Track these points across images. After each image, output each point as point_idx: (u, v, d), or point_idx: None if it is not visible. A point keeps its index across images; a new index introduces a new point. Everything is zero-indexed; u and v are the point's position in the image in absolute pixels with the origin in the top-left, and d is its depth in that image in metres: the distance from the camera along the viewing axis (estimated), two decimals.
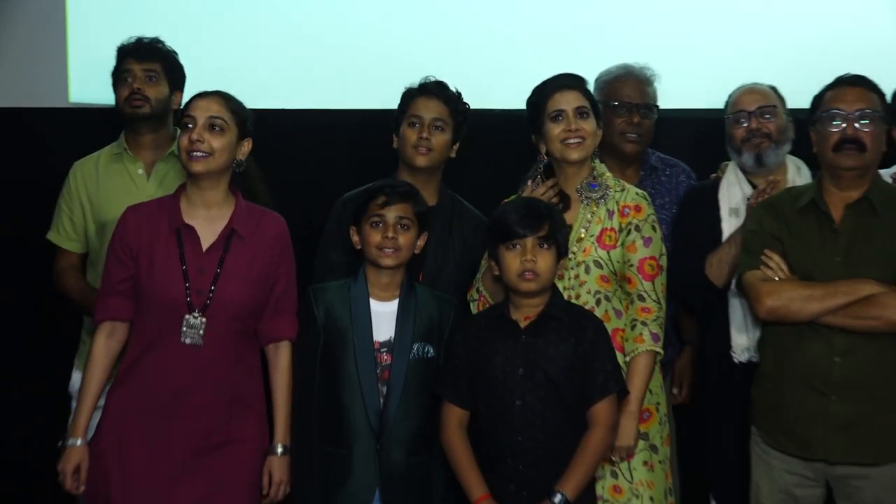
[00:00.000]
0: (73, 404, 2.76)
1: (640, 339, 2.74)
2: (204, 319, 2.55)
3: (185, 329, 2.56)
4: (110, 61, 3.26)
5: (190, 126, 2.55)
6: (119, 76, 3.12)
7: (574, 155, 2.76)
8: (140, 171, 3.12)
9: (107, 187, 3.09)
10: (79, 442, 2.57)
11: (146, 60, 3.11)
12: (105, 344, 2.62)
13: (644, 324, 2.74)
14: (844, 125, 2.64)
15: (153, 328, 2.59)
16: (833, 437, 2.64)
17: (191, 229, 2.60)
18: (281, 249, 2.69)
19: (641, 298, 2.76)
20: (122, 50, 3.17)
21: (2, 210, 4.05)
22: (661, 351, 2.78)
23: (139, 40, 3.18)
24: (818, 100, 2.77)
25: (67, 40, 4.09)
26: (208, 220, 2.63)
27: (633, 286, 2.78)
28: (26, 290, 3.73)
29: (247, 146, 2.68)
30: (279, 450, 2.62)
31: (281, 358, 2.69)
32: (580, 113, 2.76)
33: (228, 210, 2.64)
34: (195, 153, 2.54)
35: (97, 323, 2.65)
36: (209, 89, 2.78)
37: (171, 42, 3.38)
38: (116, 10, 4.04)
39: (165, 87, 3.11)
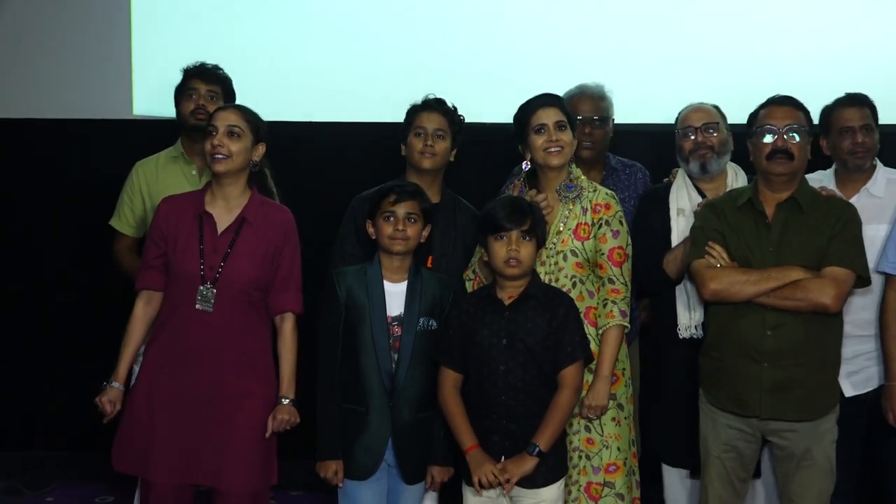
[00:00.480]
0: None
1: (610, 314, 2.95)
2: (214, 290, 2.78)
3: (199, 298, 2.78)
4: (168, 80, 3.48)
5: (213, 133, 2.81)
6: (185, 92, 3.37)
7: (554, 161, 2.99)
8: (194, 172, 3.37)
9: (165, 184, 3.32)
10: (115, 384, 2.83)
11: (210, 82, 3.38)
12: (143, 309, 2.88)
13: (614, 302, 2.97)
14: (775, 138, 2.85)
15: (176, 296, 2.82)
16: (766, 397, 2.83)
17: (209, 216, 2.83)
18: (285, 235, 2.89)
19: (611, 281, 2.99)
20: (189, 71, 3.41)
21: (74, 204, 4.27)
22: (628, 325, 3.00)
23: (203, 64, 3.42)
24: (753, 117, 2.97)
25: (132, 59, 4.30)
26: (226, 210, 2.85)
27: (604, 271, 3.00)
28: (93, 273, 4.02)
29: (261, 150, 2.90)
30: (284, 401, 2.82)
31: (285, 326, 2.88)
32: (559, 126, 2.98)
33: (244, 202, 2.87)
34: (217, 156, 2.80)
35: (137, 291, 2.90)
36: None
37: (214, 60, 3.54)
38: (175, 34, 4.27)
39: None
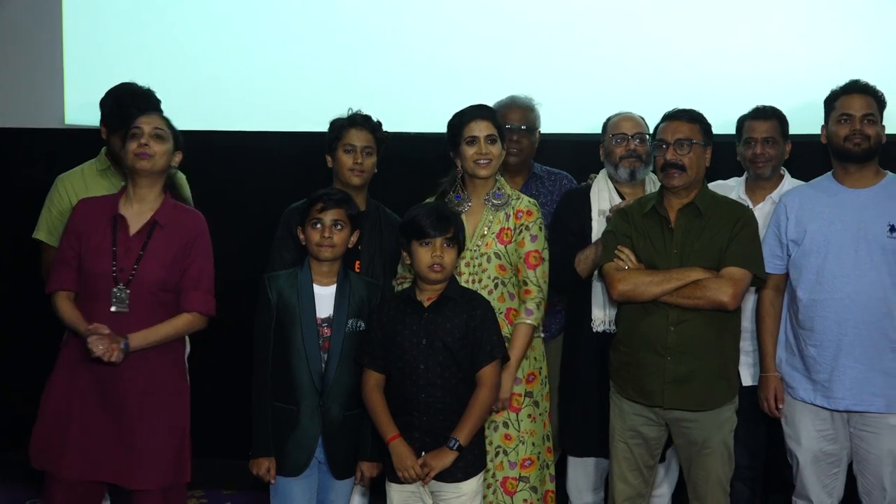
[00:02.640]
0: None
1: (520, 314, 3.04)
2: (128, 291, 2.79)
3: (113, 299, 2.78)
4: (101, 89, 3.34)
5: (138, 135, 2.83)
6: (128, 130, 3.08)
7: (482, 173, 3.07)
8: (123, 184, 3.27)
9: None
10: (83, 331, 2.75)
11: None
12: (69, 303, 2.84)
13: (524, 302, 3.04)
14: (666, 152, 2.95)
15: (91, 296, 2.80)
16: (668, 388, 2.93)
17: (123, 218, 2.84)
18: (195, 238, 2.90)
19: (525, 283, 3.06)
20: (130, 105, 3.21)
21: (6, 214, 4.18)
22: (536, 324, 3.05)
23: (143, 96, 3.28)
24: (655, 130, 3.06)
25: (64, 68, 4.22)
26: (139, 213, 2.86)
27: (521, 273, 3.07)
28: (23, 283, 3.78)
29: (178, 157, 2.95)
30: (122, 342, 2.72)
31: (181, 317, 2.88)
32: (490, 139, 3.05)
33: (157, 206, 2.88)
34: (142, 155, 2.82)
35: (52, 291, 2.83)
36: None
37: (146, 69, 3.58)
38: (107, 43, 4.20)
39: None
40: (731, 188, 3.37)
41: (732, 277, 2.93)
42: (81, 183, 3.32)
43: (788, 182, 3.36)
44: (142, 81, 3.37)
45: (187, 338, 3.30)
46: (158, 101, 3.31)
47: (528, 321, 3.04)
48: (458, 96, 3.27)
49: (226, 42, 4.18)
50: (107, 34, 4.22)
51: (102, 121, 3.29)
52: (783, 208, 3.15)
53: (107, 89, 3.34)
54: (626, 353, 3.03)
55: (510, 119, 3.48)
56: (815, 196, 3.12)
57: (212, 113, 4.08)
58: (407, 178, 3.51)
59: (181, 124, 3.10)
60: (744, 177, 3.42)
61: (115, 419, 2.82)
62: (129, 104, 3.18)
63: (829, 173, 3.16)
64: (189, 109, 3.41)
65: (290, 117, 4.08)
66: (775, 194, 3.33)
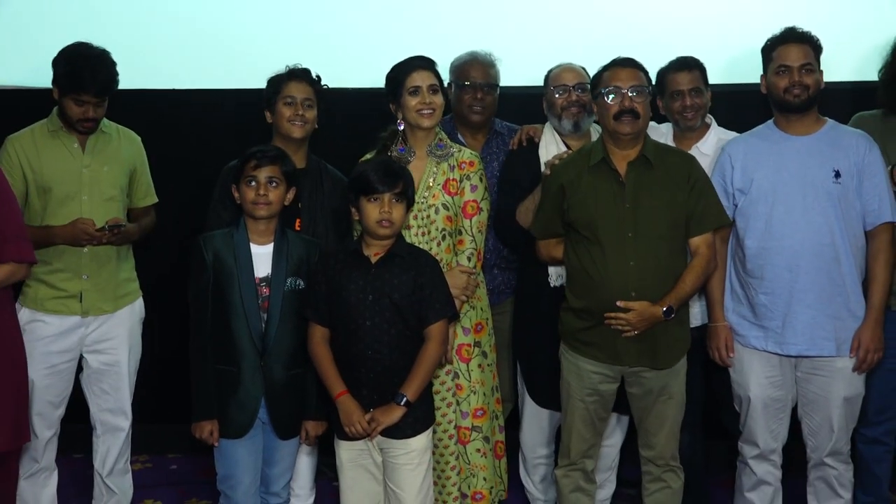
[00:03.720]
0: None
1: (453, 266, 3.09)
2: None
3: None
4: (30, 48, 3.38)
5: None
6: (77, 99, 3.21)
7: (426, 123, 3.08)
8: (76, 145, 3.28)
9: (49, 157, 3.25)
10: None
11: (100, 95, 3.25)
12: None
13: (458, 254, 3.10)
14: (622, 98, 2.93)
15: None
16: (632, 349, 2.94)
17: None
18: None
19: (460, 233, 3.11)
20: (82, 78, 3.21)
21: None
22: (473, 271, 3.09)
23: (94, 72, 3.21)
24: (597, 78, 3.02)
25: None
26: None
27: (458, 223, 3.11)
28: None
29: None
30: None
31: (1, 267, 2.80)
32: (432, 89, 3.07)
33: None
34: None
35: None
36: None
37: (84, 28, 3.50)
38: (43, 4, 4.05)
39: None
40: (663, 134, 3.37)
41: (706, 249, 3.01)
42: (31, 144, 3.29)
43: (715, 130, 3.39)
44: (77, 38, 3.31)
45: (142, 302, 3.43)
46: (114, 63, 3.28)
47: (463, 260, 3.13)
48: (399, 52, 3.23)
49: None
50: None
51: (55, 81, 3.24)
52: (727, 158, 3.17)
53: (43, 47, 3.31)
54: (587, 316, 3.00)
55: (472, 76, 3.49)
56: (759, 145, 3.14)
57: (152, 71, 4.01)
58: (348, 135, 3.49)
59: (123, 83, 3.14)
60: (670, 125, 3.43)
61: None
62: (82, 67, 3.18)
63: (771, 121, 3.18)
64: (128, 67, 3.36)
65: (229, 76, 4.02)
66: (701, 144, 3.35)
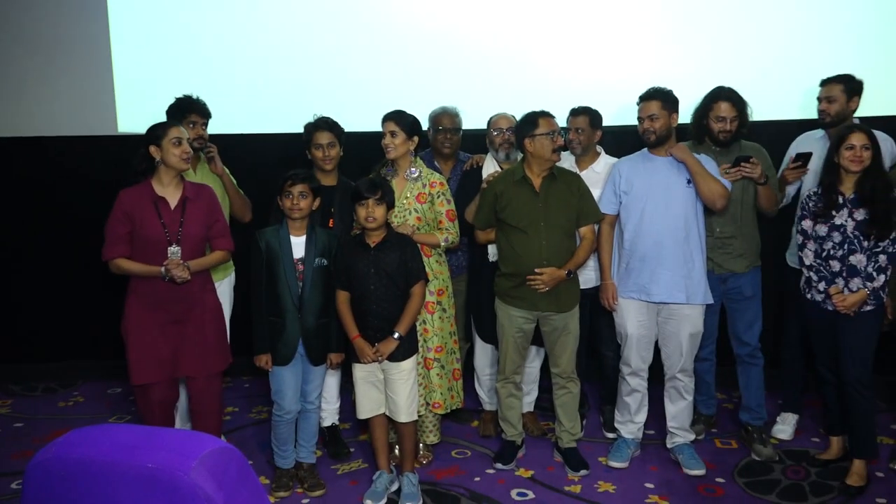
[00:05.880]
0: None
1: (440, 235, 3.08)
2: (179, 247, 2.74)
3: (169, 253, 2.71)
4: (150, 97, 3.20)
5: (180, 144, 2.74)
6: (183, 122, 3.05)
7: (389, 154, 3.04)
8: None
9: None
10: (163, 270, 2.68)
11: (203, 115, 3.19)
12: (131, 261, 2.73)
13: (440, 230, 3.09)
14: (555, 139, 2.94)
15: (148, 257, 2.72)
16: (543, 298, 2.99)
17: (163, 199, 2.76)
18: (212, 203, 2.87)
19: (447, 230, 3.11)
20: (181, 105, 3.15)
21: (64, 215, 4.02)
22: (442, 242, 3.05)
23: (190, 98, 3.16)
24: (533, 125, 2.94)
25: (114, 80, 3.97)
26: (172, 194, 2.77)
27: (443, 224, 3.10)
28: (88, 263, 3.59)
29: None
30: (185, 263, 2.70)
31: (215, 253, 2.87)
32: (392, 133, 3.01)
33: (181, 187, 2.80)
34: (186, 159, 2.76)
35: (109, 258, 2.71)
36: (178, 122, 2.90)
37: (183, 81, 3.36)
38: (153, 56, 3.92)
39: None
40: (567, 158, 3.33)
41: (588, 236, 3.08)
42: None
43: (603, 157, 3.36)
44: (178, 91, 3.21)
45: (233, 272, 3.34)
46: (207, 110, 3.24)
47: (442, 242, 3.12)
48: (387, 104, 3.16)
49: (242, 60, 4.00)
50: (150, 49, 3.96)
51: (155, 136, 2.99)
52: (616, 171, 3.14)
53: (151, 99, 3.23)
54: (513, 279, 3.04)
55: (444, 123, 3.43)
56: (637, 163, 3.13)
57: (235, 118, 3.90)
58: (366, 160, 3.41)
59: (215, 128, 3.05)
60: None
61: (181, 330, 2.78)
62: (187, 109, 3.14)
63: (645, 150, 3.15)
64: (218, 115, 3.29)
65: (282, 120, 3.88)
66: (595, 165, 3.34)
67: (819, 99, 3.23)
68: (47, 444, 1.48)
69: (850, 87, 3.17)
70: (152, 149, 2.75)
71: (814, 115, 3.29)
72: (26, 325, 4.30)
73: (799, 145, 3.33)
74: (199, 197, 2.85)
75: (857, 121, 3.17)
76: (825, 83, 3.23)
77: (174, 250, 2.74)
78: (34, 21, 3.96)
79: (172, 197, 2.80)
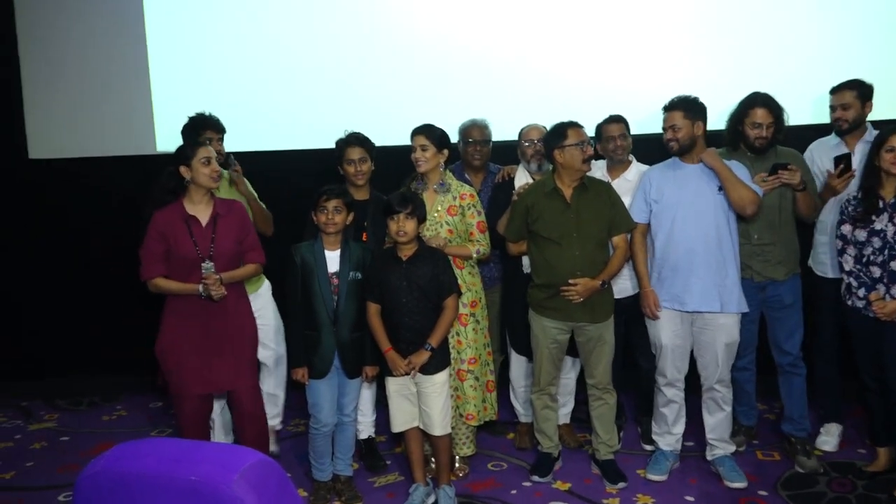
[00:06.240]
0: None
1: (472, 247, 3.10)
2: (212, 263, 2.77)
3: (203, 270, 2.74)
4: (187, 116, 3.20)
5: (209, 163, 2.80)
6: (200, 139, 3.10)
7: (420, 169, 3.07)
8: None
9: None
10: (200, 288, 2.72)
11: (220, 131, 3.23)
12: (169, 280, 2.78)
13: (471, 242, 3.11)
14: (586, 148, 2.94)
15: (183, 274, 2.76)
16: (578, 309, 2.99)
17: (194, 217, 2.80)
18: (243, 219, 2.91)
19: (478, 242, 3.12)
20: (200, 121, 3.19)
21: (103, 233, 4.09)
22: (474, 254, 3.07)
23: (203, 115, 3.21)
24: (562, 136, 2.95)
25: (152, 99, 4.04)
26: (203, 211, 2.81)
27: (474, 236, 3.12)
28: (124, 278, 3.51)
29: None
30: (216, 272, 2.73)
31: (247, 266, 2.89)
32: (422, 147, 3.06)
33: (212, 204, 2.84)
34: (216, 178, 2.81)
35: (147, 278, 2.76)
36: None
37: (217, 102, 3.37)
38: (192, 78, 3.98)
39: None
40: (598, 168, 3.32)
41: (623, 243, 3.07)
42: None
43: (635, 164, 3.35)
44: (217, 110, 3.29)
45: (268, 282, 3.31)
46: (223, 128, 3.28)
47: (474, 254, 3.14)
48: (419, 117, 3.20)
49: (273, 79, 4.02)
50: (187, 73, 4.04)
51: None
52: (647, 179, 3.12)
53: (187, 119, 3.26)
54: (547, 290, 3.04)
55: (473, 136, 3.45)
56: (667, 171, 3.11)
57: (267, 135, 3.97)
58: (398, 174, 3.41)
59: (238, 146, 3.09)
60: (605, 161, 3.37)
61: (217, 345, 2.80)
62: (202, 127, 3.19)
63: (674, 158, 3.11)
64: (250, 133, 3.38)
65: (314, 136, 3.93)
66: (626, 174, 3.33)
67: (833, 107, 3.20)
68: (95, 458, 1.54)
69: (862, 91, 3.14)
70: (182, 169, 2.79)
71: (825, 119, 3.26)
72: (69, 342, 4.41)
73: (813, 153, 3.29)
74: (230, 213, 2.89)
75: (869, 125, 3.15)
76: (836, 90, 3.20)
77: (208, 266, 2.77)
78: (72, 41, 4.09)
79: (203, 214, 2.84)
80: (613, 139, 3.30)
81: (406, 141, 3.14)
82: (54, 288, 4.37)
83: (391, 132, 3.53)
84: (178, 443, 1.54)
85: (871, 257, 2.88)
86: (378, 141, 3.29)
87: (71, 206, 4.27)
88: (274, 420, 3.42)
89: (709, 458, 3.21)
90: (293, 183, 3.56)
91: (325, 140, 3.39)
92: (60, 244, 4.31)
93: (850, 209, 2.94)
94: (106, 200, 4.22)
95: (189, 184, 2.82)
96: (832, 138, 3.27)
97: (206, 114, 3.25)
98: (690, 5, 3.78)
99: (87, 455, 3.54)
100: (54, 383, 4.40)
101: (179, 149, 2.86)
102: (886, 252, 2.86)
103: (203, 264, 2.79)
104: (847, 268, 2.95)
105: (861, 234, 2.90)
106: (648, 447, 3.39)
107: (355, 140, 3.19)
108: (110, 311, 4.34)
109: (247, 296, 2.99)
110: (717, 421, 3.16)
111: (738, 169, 3.02)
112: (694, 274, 3.00)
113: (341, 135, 3.25)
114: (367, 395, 3.32)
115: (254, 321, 2.98)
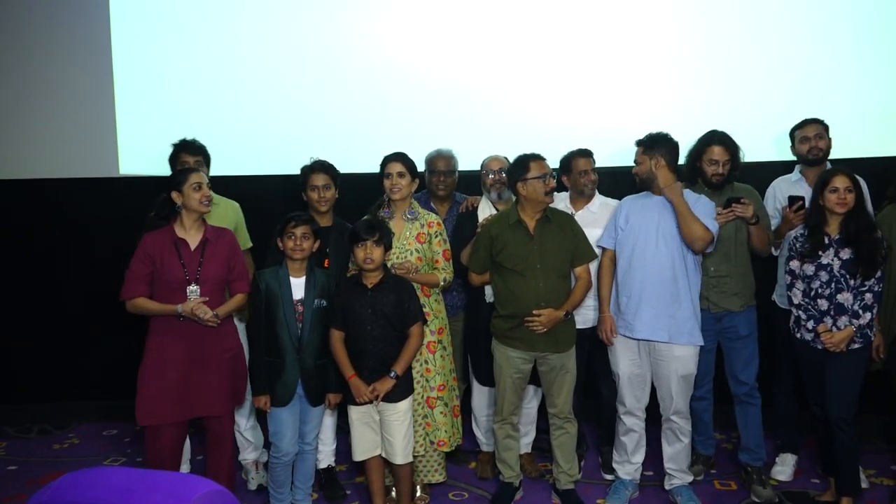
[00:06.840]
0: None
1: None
2: (198, 287, 2.77)
3: (189, 293, 2.76)
4: (151, 139, 3.24)
5: (200, 188, 2.81)
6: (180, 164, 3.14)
7: (395, 197, 3.11)
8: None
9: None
10: (179, 308, 2.71)
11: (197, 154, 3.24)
12: (150, 301, 2.77)
13: (437, 270, 3.15)
14: (548, 181, 2.97)
15: (167, 296, 2.76)
16: (541, 339, 3.00)
17: (183, 241, 2.82)
18: (233, 246, 2.92)
19: (444, 270, 3.17)
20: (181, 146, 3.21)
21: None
22: (440, 281, 3.12)
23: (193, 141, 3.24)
24: (525, 168, 2.97)
25: (116, 122, 4.01)
26: (193, 236, 2.83)
27: (439, 264, 3.16)
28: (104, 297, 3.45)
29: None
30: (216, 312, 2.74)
31: (237, 296, 2.89)
32: (400, 174, 3.10)
33: (202, 230, 2.86)
34: (206, 203, 2.83)
35: (126, 298, 2.76)
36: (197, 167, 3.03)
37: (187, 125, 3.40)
38: (157, 102, 3.94)
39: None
40: (562, 199, 3.37)
41: (583, 276, 3.09)
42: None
43: (598, 197, 3.41)
44: (181, 134, 3.28)
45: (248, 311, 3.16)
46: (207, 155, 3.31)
47: (441, 282, 3.18)
48: (388, 146, 3.24)
49: (238, 104, 4.04)
50: (154, 95, 4.01)
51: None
52: (621, 206, 3.17)
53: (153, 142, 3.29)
54: (511, 320, 3.05)
55: (438, 166, 3.46)
56: (637, 201, 3.15)
57: (234, 160, 3.94)
58: (360, 201, 3.42)
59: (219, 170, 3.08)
60: (568, 193, 3.42)
61: (201, 369, 2.78)
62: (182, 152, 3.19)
63: (646, 191, 3.17)
64: (213, 158, 3.32)
65: (279, 162, 3.93)
66: (590, 205, 3.38)
67: (807, 138, 3.34)
68: (41, 489, 1.49)
69: (825, 126, 3.37)
70: (174, 194, 2.82)
71: (788, 156, 3.41)
72: (21, 367, 4.31)
73: (776, 189, 3.41)
74: (220, 239, 2.89)
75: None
76: (807, 124, 3.38)
77: (193, 289, 2.77)
78: (38, 62, 4.06)
79: (193, 239, 2.85)
80: (586, 173, 3.35)
81: (370, 168, 3.15)
82: (9, 310, 4.28)
83: (356, 160, 3.57)
84: (129, 472, 1.50)
85: (819, 290, 2.98)
86: (343, 168, 3.31)
87: (35, 227, 4.22)
88: (256, 452, 3.42)
89: (667, 487, 3.24)
90: (256, 208, 3.58)
91: (290, 166, 3.40)
92: (18, 266, 4.23)
93: (797, 245, 3.05)
94: (69, 222, 4.17)
95: (181, 209, 2.83)
96: (792, 175, 3.41)
97: (188, 139, 3.27)
98: (656, 44, 3.92)
99: (34, 485, 3.45)
100: (2, 409, 4.29)
101: (172, 175, 2.89)
102: (833, 285, 2.96)
103: (189, 287, 2.78)
104: (796, 301, 3.03)
105: (809, 269, 3.00)
106: (609, 476, 3.41)
107: (320, 167, 3.20)
108: (67, 335, 4.27)
109: (234, 323, 2.98)
110: (675, 451, 3.18)
111: (706, 205, 3.05)
112: (645, 302, 3.03)
113: (306, 161, 3.27)
114: (328, 423, 3.32)
115: (240, 342, 2.97)
